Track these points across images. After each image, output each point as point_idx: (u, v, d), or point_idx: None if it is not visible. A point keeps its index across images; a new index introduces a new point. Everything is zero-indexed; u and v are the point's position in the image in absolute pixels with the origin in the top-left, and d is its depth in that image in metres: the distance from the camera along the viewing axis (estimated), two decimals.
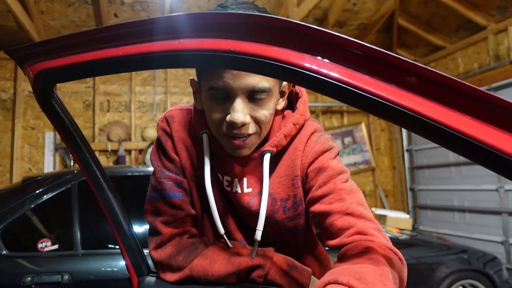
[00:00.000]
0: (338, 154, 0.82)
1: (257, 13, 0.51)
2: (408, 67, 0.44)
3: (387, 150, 5.56)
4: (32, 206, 1.90)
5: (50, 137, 4.04)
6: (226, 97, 0.70)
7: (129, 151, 4.33)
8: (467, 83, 0.42)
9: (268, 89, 0.70)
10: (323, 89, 0.50)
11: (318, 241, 0.94)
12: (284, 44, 0.49)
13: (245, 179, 0.80)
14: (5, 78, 4.04)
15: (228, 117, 0.70)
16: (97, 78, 4.35)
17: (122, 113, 4.45)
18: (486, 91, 0.41)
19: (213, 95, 0.71)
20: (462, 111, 0.42)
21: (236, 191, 0.80)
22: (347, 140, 5.29)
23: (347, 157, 5.22)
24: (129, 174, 2.31)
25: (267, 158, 0.77)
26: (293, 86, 0.86)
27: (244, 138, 0.72)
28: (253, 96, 0.70)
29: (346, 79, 0.47)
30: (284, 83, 0.79)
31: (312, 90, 0.54)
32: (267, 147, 0.78)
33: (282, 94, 0.79)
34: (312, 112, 5.10)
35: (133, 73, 4.49)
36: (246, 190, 0.80)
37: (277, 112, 0.80)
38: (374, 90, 0.46)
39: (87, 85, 4.35)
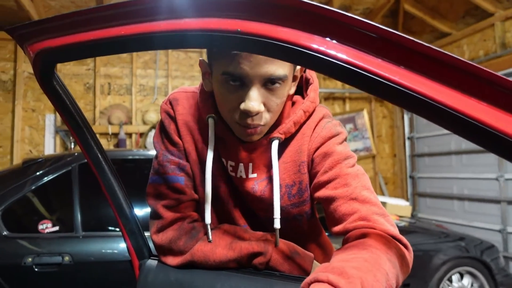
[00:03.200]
0: (345, 139, 0.81)
1: None
2: (421, 50, 0.43)
3: (388, 138, 5.54)
4: (33, 187, 1.90)
5: (50, 119, 4.02)
6: (241, 83, 0.68)
7: (129, 135, 4.32)
8: (483, 68, 0.40)
9: (285, 77, 0.69)
10: (331, 72, 0.49)
11: (322, 229, 0.94)
12: (293, 25, 0.47)
13: (250, 165, 0.79)
14: (5, 59, 4.00)
15: (242, 105, 0.68)
16: (98, 60, 4.31)
17: (123, 96, 4.42)
18: (500, 75, 0.39)
19: (227, 80, 0.69)
20: (478, 97, 0.41)
21: (241, 176, 0.79)
22: (349, 126, 5.28)
23: (348, 143, 5.20)
24: (130, 157, 2.31)
25: (275, 145, 0.76)
26: (305, 71, 0.85)
27: (256, 127, 0.71)
28: (269, 84, 0.68)
29: (355, 61, 0.46)
30: (298, 67, 0.77)
31: (320, 73, 0.52)
32: (276, 133, 0.76)
33: (294, 78, 0.78)
34: None
35: (134, 55, 4.44)
36: (250, 175, 0.79)
37: (287, 97, 0.79)
38: (383, 73, 0.44)
39: (88, 67, 4.31)
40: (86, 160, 1.94)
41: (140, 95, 4.48)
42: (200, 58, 0.80)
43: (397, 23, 4.88)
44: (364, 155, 5.28)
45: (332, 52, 0.46)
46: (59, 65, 4.16)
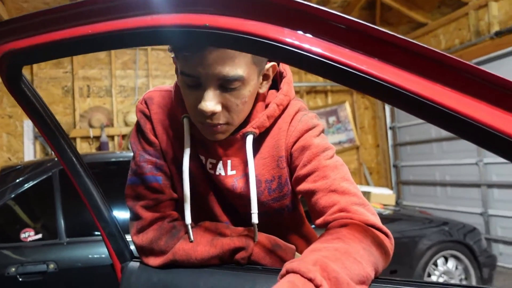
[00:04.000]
0: (322, 131, 0.81)
1: None
2: (392, 40, 0.43)
3: (371, 128, 5.62)
4: (13, 195, 1.86)
5: (28, 125, 3.93)
6: (198, 84, 0.68)
7: (111, 137, 4.25)
8: (449, 55, 0.41)
9: (241, 77, 0.67)
10: (305, 65, 0.49)
11: (305, 219, 0.94)
12: (263, 18, 0.47)
13: (229, 162, 0.78)
14: None
15: (198, 106, 0.68)
16: (75, 62, 4.22)
17: (103, 98, 4.34)
18: (466, 62, 0.40)
19: (185, 81, 0.69)
20: (443, 83, 0.41)
21: (220, 174, 0.79)
22: (332, 119, 5.32)
23: (331, 136, 5.25)
24: (113, 160, 2.27)
25: (249, 140, 0.75)
26: (278, 65, 0.84)
27: (216, 126, 0.71)
28: (225, 85, 0.67)
29: (329, 54, 0.45)
30: (268, 65, 0.75)
31: (294, 66, 0.52)
32: (249, 128, 0.76)
33: (265, 77, 0.77)
34: (296, 92, 5.08)
35: (113, 56, 4.36)
36: (229, 172, 0.79)
37: (260, 95, 0.78)
38: (357, 65, 0.45)
39: (65, 70, 4.22)
40: None
41: (120, 96, 4.41)
42: (173, 55, 0.78)
43: (375, 15, 4.93)
44: (348, 146, 5.34)
45: (304, 45, 0.46)
46: (35, 69, 4.06)
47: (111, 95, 4.34)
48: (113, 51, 4.25)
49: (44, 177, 1.94)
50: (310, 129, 0.78)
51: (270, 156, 0.79)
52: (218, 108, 0.68)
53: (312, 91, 5.32)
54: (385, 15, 5.04)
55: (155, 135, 0.80)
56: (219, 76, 0.65)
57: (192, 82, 0.68)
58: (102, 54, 4.35)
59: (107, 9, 0.53)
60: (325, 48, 0.46)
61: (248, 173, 0.76)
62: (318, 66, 0.46)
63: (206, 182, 0.81)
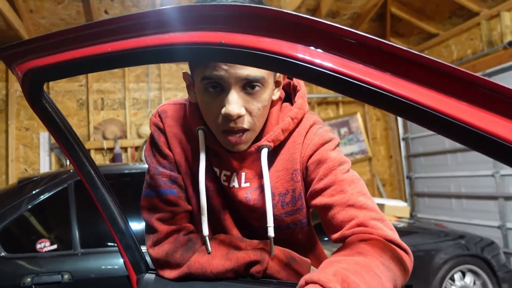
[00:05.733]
0: (338, 145, 0.81)
1: (247, 4, 0.50)
2: (403, 54, 0.44)
3: (383, 139, 5.57)
4: (29, 206, 1.89)
5: (44, 137, 4.01)
6: (220, 88, 0.69)
7: (125, 149, 4.30)
8: (460, 68, 0.41)
9: (262, 79, 0.69)
10: (317, 80, 0.50)
11: (317, 240, 0.93)
12: (276, 35, 0.48)
13: (243, 174, 0.78)
14: None
15: (223, 110, 0.68)
16: (90, 76, 4.31)
17: (117, 110, 4.42)
18: (479, 76, 0.40)
19: (206, 86, 0.69)
20: (457, 97, 0.42)
21: (233, 186, 0.79)
22: (343, 130, 5.30)
23: (343, 147, 5.22)
24: (126, 171, 2.30)
25: (264, 153, 0.75)
26: (290, 78, 0.85)
27: (240, 134, 0.71)
28: (247, 87, 0.68)
29: (340, 69, 0.46)
30: (277, 75, 0.77)
31: (307, 81, 0.53)
32: (264, 141, 0.76)
33: (277, 84, 0.78)
34: (307, 103, 5.09)
35: (126, 69, 4.45)
36: (243, 184, 0.78)
37: (273, 103, 0.79)
38: (368, 79, 0.45)
39: (80, 83, 4.31)
40: None
41: (133, 108, 4.48)
42: (183, 71, 0.80)
43: (385, 26, 4.94)
44: (360, 158, 5.30)
45: (316, 60, 0.47)
46: (51, 83, 4.16)
47: (125, 107, 4.41)
48: None
49: (60, 188, 1.97)
50: (326, 143, 0.78)
51: (285, 169, 0.78)
52: (243, 111, 0.69)
53: (323, 102, 5.32)
54: (396, 26, 5.04)
55: (169, 148, 0.81)
56: (242, 76, 0.67)
57: (214, 87, 0.68)
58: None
59: (125, 27, 0.55)
60: (337, 63, 0.47)
61: (262, 186, 0.76)
62: (331, 81, 0.47)
63: (219, 194, 0.82)
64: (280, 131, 0.77)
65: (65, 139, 0.75)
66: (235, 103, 0.67)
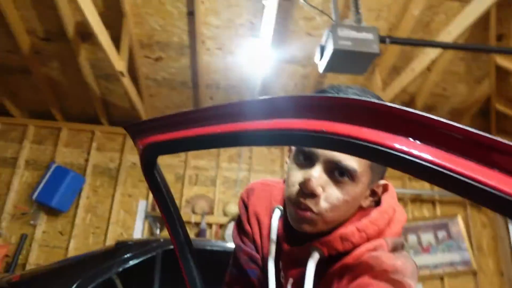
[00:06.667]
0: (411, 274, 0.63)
1: (350, 96, 0.52)
2: None
3: (492, 251, 4.79)
4: (119, 270, 1.99)
5: (143, 205, 4.37)
6: (310, 162, 0.66)
7: (210, 225, 4.44)
8: None
9: (354, 171, 0.63)
10: (415, 172, 0.48)
11: None
12: (376, 126, 0.49)
13: (290, 281, 0.68)
14: (115, 149, 4.62)
15: (300, 180, 0.65)
16: (189, 153, 4.73)
17: (208, 187, 4.68)
18: None
19: (298, 156, 0.67)
20: None
21: None
22: (441, 234, 4.73)
23: (441, 254, 4.59)
24: (208, 247, 2.35)
25: (313, 261, 0.63)
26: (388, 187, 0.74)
27: (308, 211, 0.64)
28: (336, 173, 0.64)
29: (440, 162, 0.45)
30: (381, 182, 0.70)
31: (404, 173, 0.51)
32: (316, 243, 0.65)
33: (373, 193, 0.71)
34: (399, 199, 4.78)
35: (221, 150, 4.79)
36: None
37: (360, 210, 0.70)
38: (474, 175, 0.43)
39: (180, 159, 4.74)
40: (170, 247, 2.02)
41: (223, 186, 4.70)
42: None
43: (489, 123, 4.62)
44: (463, 270, 4.56)
45: (416, 152, 0.46)
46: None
47: (215, 184, 4.65)
48: None
49: (149, 255, 2.06)
50: (390, 272, 0.60)
51: None
52: (319, 190, 0.63)
53: (417, 199, 4.94)
54: (502, 123, 4.68)
55: (250, 225, 0.82)
56: (334, 159, 0.63)
57: (304, 159, 0.66)
58: None
59: (231, 113, 0.61)
60: (439, 156, 0.45)
61: None
62: (431, 174, 0.46)
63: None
64: (338, 238, 0.65)
65: (167, 208, 0.81)
66: (314, 177, 0.64)
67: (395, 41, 2.03)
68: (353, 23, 1.92)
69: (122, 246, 2.12)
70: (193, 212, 4.46)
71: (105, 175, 4.49)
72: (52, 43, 3.80)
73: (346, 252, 0.65)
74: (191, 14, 3.56)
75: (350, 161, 0.63)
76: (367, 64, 1.95)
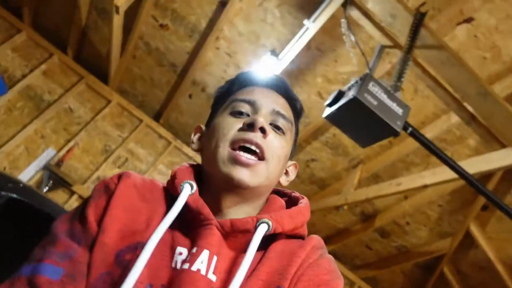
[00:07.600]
0: None
1: None
2: None
3: None
4: None
5: (50, 154, 3.70)
6: (247, 115, 0.69)
7: None
8: None
9: (289, 120, 0.72)
10: None
11: None
12: None
13: (215, 258, 0.59)
14: (61, 85, 4.00)
15: (246, 119, 0.67)
16: (131, 135, 4.16)
17: None
18: None
19: (234, 108, 0.70)
20: None
21: (192, 269, 0.57)
22: None
23: None
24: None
25: (260, 232, 0.60)
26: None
27: (252, 159, 0.64)
28: (275, 122, 0.70)
29: None
30: (290, 163, 0.77)
31: None
32: (266, 216, 0.63)
33: (287, 173, 0.77)
34: None
35: (166, 152, 4.26)
36: (209, 274, 0.57)
37: (278, 197, 0.75)
38: None
39: (121, 134, 4.14)
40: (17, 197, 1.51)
41: None
42: (198, 125, 0.80)
43: (428, 280, 4.38)
44: None
45: None
46: None
47: None
48: None
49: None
50: (338, 279, 0.63)
51: (266, 281, 0.59)
52: (268, 127, 0.68)
53: None
54: (439, 286, 4.44)
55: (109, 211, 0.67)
56: (275, 108, 0.70)
57: (240, 113, 0.69)
58: None
59: None
60: None
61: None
62: None
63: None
64: (288, 217, 0.65)
65: None
66: (263, 117, 0.68)
67: (416, 135, 1.69)
68: (388, 87, 1.58)
69: None
70: None
71: (32, 101, 3.81)
72: None
73: (285, 237, 0.66)
74: (223, 4, 3.21)
75: (287, 112, 0.72)
76: (377, 137, 1.59)
